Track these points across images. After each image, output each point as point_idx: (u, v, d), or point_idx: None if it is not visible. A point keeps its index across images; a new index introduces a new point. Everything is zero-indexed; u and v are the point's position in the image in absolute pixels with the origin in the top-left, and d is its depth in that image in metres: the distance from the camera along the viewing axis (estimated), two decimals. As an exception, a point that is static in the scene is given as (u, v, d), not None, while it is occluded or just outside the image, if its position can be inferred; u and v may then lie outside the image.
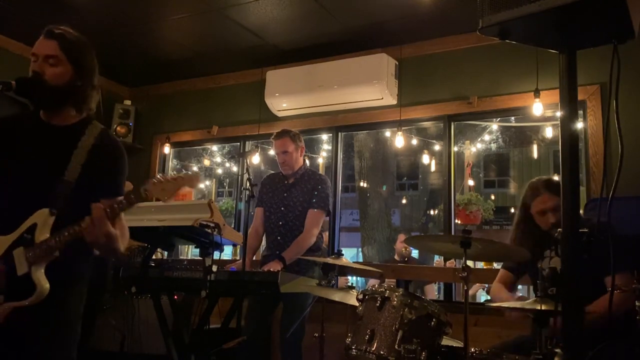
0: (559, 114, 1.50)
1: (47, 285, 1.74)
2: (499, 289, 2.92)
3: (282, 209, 3.66)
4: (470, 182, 6.61)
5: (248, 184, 3.14)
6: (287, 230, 3.60)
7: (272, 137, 3.84)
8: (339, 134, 4.82)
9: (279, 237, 3.60)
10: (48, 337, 1.83)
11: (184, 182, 1.77)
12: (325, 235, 5.09)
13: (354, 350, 2.32)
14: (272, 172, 4.06)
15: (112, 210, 1.74)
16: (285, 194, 3.69)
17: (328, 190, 3.72)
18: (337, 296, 2.86)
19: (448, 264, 4.66)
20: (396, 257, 6.04)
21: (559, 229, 1.44)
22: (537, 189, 2.73)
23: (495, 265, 4.65)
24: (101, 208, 1.72)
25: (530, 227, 2.76)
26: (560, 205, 2.61)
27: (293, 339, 3.37)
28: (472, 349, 2.21)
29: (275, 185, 3.77)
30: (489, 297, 5.55)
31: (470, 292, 5.00)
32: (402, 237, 6.25)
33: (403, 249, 5.89)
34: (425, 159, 7.53)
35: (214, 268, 2.84)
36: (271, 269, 3.25)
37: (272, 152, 4.14)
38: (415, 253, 6.21)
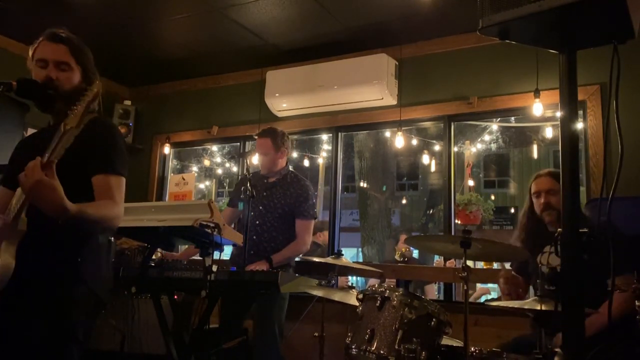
0: (559, 114, 1.50)
1: (12, 261, 1.70)
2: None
3: (260, 207, 3.61)
4: (470, 182, 6.63)
5: (248, 184, 3.14)
6: (264, 230, 3.57)
7: (255, 134, 3.80)
8: (339, 134, 4.81)
9: (254, 237, 3.56)
10: (39, 335, 1.80)
11: None
12: (325, 234, 5.09)
13: (354, 350, 2.32)
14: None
15: (47, 162, 1.67)
16: (264, 193, 3.64)
17: (312, 196, 3.71)
18: (337, 296, 2.87)
19: (448, 264, 4.66)
20: (397, 257, 6.05)
21: (559, 229, 1.44)
22: (538, 175, 2.84)
23: (496, 266, 4.66)
24: (37, 159, 1.67)
25: (533, 218, 2.80)
26: (556, 190, 2.65)
27: (272, 339, 3.37)
28: (472, 349, 2.21)
29: (255, 181, 3.64)
30: (489, 297, 5.56)
31: (475, 295, 4.99)
32: (404, 237, 6.28)
33: (404, 249, 5.90)
34: (425, 159, 7.53)
35: (214, 268, 2.83)
36: (257, 269, 3.24)
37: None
38: (415, 253, 6.22)
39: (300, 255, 3.72)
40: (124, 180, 1.96)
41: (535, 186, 2.79)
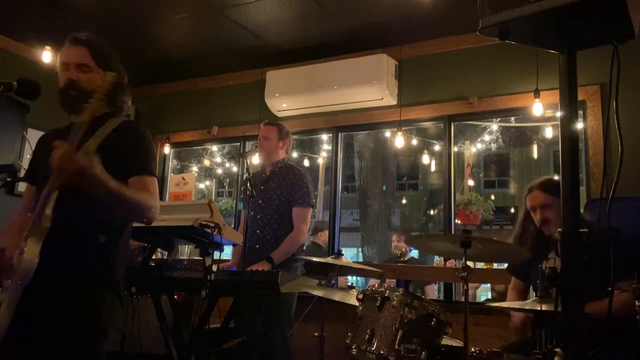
0: (559, 114, 1.50)
1: (36, 260, 1.69)
2: (513, 298, 2.95)
3: (260, 201, 3.61)
4: (470, 182, 6.63)
5: (248, 184, 3.14)
6: (265, 223, 3.58)
7: (263, 122, 3.85)
8: (339, 134, 4.82)
9: (257, 231, 3.57)
10: (62, 340, 1.80)
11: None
12: (325, 234, 5.09)
13: (354, 350, 2.31)
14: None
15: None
16: (262, 187, 3.65)
17: (309, 184, 3.68)
18: (337, 296, 2.86)
19: (448, 263, 4.67)
20: (394, 250, 6.17)
21: (559, 229, 1.44)
22: (530, 188, 2.80)
23: (495, 265, 4.66)
24: (66, 144, 1.66)
25: (530, 226, 2.79)
26: (549, 203, 2.65)
27: (281, 336, 3.37)
28: (472, 349, 2.20)
29: (254, 180, 3.65)
30: (489, 297, 5.56)
31: (470, 292, 5.01)
32: (395, 237, 6.37)
33: (398, 246, 6.01)
34: (425, 159, 7.54)
35: (214, 268, 2.84)
36: (259, 269, 3.24)
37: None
38: (415, 253, 6.24)
39: (302, 251, 3.72)
40: (156, 181, 2.02)
41: (530, 201, 2.76)
